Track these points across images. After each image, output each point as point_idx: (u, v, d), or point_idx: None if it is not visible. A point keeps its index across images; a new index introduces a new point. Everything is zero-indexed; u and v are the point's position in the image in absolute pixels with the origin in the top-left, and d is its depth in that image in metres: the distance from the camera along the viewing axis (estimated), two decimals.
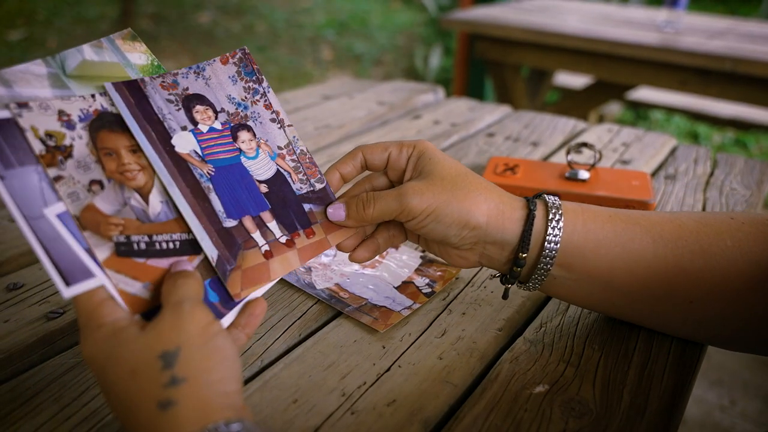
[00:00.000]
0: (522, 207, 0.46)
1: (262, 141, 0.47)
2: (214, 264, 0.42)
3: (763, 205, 0.91)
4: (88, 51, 0.43)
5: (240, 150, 0.46)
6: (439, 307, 0.55)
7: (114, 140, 0.41)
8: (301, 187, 0.48)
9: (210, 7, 5.23)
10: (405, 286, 0.57)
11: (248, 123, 0.47)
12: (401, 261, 0.61)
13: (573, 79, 2.66)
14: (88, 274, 0.36)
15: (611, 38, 1.91)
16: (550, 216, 0.45)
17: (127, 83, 0.43)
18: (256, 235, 0.45)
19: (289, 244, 0.46)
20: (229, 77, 0.47)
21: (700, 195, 0.79)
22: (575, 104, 2.28)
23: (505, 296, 0.51)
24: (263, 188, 0.46)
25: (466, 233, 0.45)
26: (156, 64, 0.46)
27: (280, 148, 0.48)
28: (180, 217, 0.42)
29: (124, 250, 0.39)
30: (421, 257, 0.62)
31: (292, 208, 0.47)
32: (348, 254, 0.49)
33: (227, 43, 4.71)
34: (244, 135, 0.47)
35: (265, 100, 0.48)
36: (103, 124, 0.41)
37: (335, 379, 0.46)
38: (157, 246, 0.40)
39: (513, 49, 2.17)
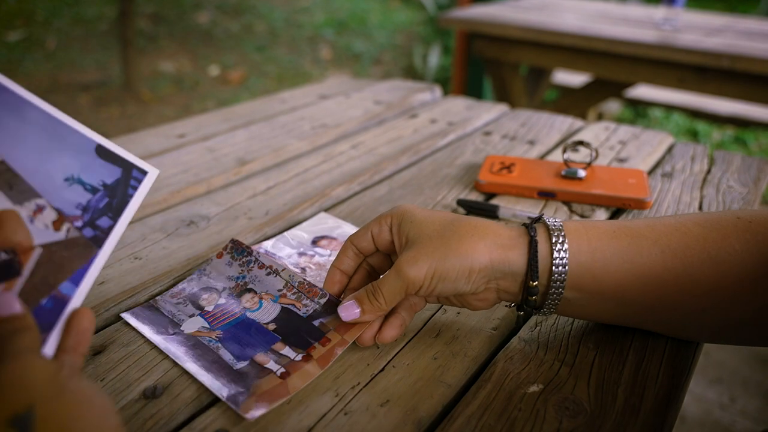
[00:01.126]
0: (522, 235, 0.46)
1: (263, 293, 0.53)
2: (224, 399, 0.43)
3: (761, 201, 0.91)
4: None
5: (244, 308, 0.51)
6: (434, 307, 0.54)
7: None
8: (307, 310, 0.50)
9: (209, 6, 5.23)
10: None
11: (248, 287, 0.53)
12: None
13: (571, 78, 2.65)
14: None
15: (609, 36, 1.91)
16: (554, 239, 0.45)
17: (143, 306, 0.52)
18: (270, 365, 0.46)
19: (306, 358, 0.46)
20: (225, 264, 0.56)
21: (697, 193, 0.79)
22: (574, 102, 2.28)
23: (519, 324, 0.51)
24: (271, 326, 0.49)
25: (474, 278, 0.45)
26: None
27: (279, 290, 0.53)
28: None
29: None
30: None
31: (302, 329, 0.49)
32: (378, 340, 0.48)
33: (226, 43, 4.70)
34: (246, 296, 0.53)
35: (259, 263, 0.55)
36: None
37: (328, 379, 0.46)
38: None
39: (511, 48, 2.17)
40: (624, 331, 0.51)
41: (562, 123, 1.05)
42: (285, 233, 0.66)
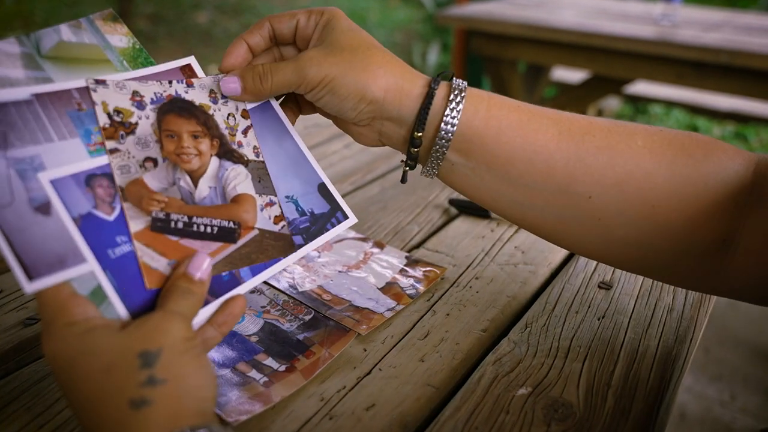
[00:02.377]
0: (424, 85, 0.44)
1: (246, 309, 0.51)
2: None
3: None
4: (65, 31, 0.41)
5: None
6: (423, 309, 0.54)
7: (180, 124, 0.42)
8: (291, 325, 0.51)
9: (208, 6, 5.22)
10: (389, 288, 0.56)
11: None
12: (386, 262, 0.60)
13: (570, 74, 2.64)
14: (56, 267, 0.35)
15: (608, 32, 1.90)
16: (452, 97, 0.43)
17: None
18: (252, 373, 0.45)
19: (290, 369, 0.46)
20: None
21: None
22: (573, 99, 2.26)
23: (402, 180, 0.49)
24: (253, 339, 0.49)
25: (362, 107, 0.43)
26: (138, 47, 0.44)
27: (263, 306, 0.53)
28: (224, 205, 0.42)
29: (159, 226, 0.39)
30: (407, 257, 0.61)
31: (286, 342, 0.49)
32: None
33: (225, 42, 4.70)
34: None
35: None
36: (172, 108, 0.42)
37: (314, 383, 0.45)
38: (195, 228, 0.40)
39: (509, 45, 2.16)
40: (615, 334, 0.51)
41: None
42: None
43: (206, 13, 5.14)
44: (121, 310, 0.36)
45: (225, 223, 0.42)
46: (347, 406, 0.43)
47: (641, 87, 2.54)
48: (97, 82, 0.40)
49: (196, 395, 0.34)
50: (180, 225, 0.40)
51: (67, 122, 0.38)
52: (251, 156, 0.45)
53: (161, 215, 0.39)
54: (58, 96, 0.39)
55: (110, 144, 0.39)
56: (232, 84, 0.44)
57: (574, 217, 0.45)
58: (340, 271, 0.58)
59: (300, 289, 0.55)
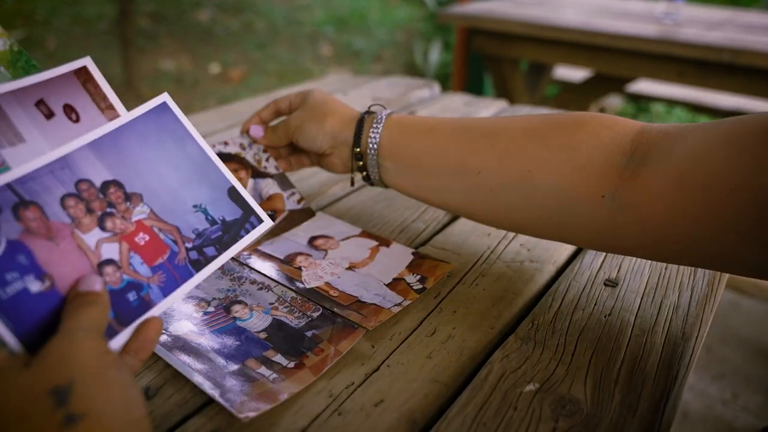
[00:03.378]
0: (357, 118, 0.63)
1: (253, 305, 0.53)
2: (217, 398, 0.42)
3: None
4: None
5: (234, 317, 0.51)
6: (430, 305, 0.54)
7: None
8: (299, 322, 0.51)
9: (209, 5, 5.22)
10: (396, 283, 0.56)
11: (238, 299, 0.53)
12: (392, 258, 0.60)
13: (572, 73, 2.64)
14: None
15: (610, 31, 1.90)
16: (375, 121, 0.61)
17: None
18: (262, 370, 0.45)
19: (299, 366, 0.46)
20: (216, 277, 0.56)
21: None
22: (575, 98, 2.27)
23: (351, 183, 0.68)
24: (262, 335, 0.49)
25: (323, 138, 0.63)
26: (16, 49, 0.40)
27: (271, 303, 0.53)
28: None
29: None
30: (413, 254, 0.61)
31: (295, 339, 0.49)
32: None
33: (226, 41, 4.70)
34: (236, 307, 0.53)
35: (251, 279, 0.56)
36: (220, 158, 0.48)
37: (323, 379, 0.45)
38: None
39: (511, 44, 2.16)
40: (621, 330, 0.51)
41: None
42: (282, 233, 0.65)
43: (207, 12, 5.14)
44: (13, 344, 0.33)
45: (268, 212, 0.60)
46: (356, 402, 0.43)
47: (643, 85, 2.54)
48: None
49: (125, 419, 0.32)
50: None
51: None
52: (273, 171, 0.67)
53: None
54: None
55: None
56: (260, 132, 0.69)
57: (474, 192, 0.55)
58: (346, 268, 0.58)
59: (307, 286, 0.56)
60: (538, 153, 0.51)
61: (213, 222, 0.43)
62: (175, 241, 0.41)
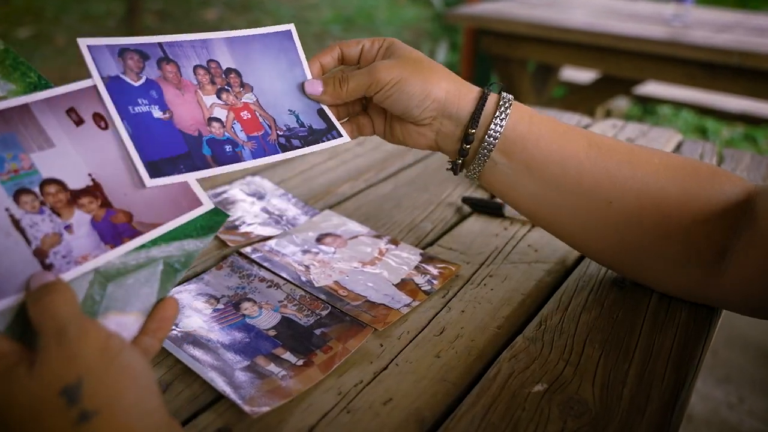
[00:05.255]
0: (478, 91, 0.52)
1: (263, 303, 0.53)
2: (227, 394, 0.43)
3: None
4: None
5: (243, 315, 0.52)
6: (439, 305, 0.54)
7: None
8: (308, 320, 0.51)
9: (216, 3, 5.23)
10: (404, 284, 0.56)
11: (248, 296, 0.54)
12: (401, 258, 0.60)
13: (580, 74, 2.64)
14: None
15: (618, 32, 1.89)
16: (501, 102, 0.51)
17: None
18: (271, 367, 0.46)
19: (308, 364, 0.46)
20: (225, 275, 0.57)
21: None
22: (582, 99, 2.26)
23: (455, 172, 0.55)
24: (271, 333, 0.50)
25: (427, 104, 0.50)
26: (2, 47, 0.40)
27: (280, 301, 0.54)
28: None
29: None
30: (421, 254, 0.61)
31: (303, 337, 0.49)
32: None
33: None
34: (245, 305, 0.53)
35: (260, 277, 0.57)
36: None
37: (332, 377, 0.45)
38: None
39: (519, 44, 2.16)
40: (630, 331, 0.51)
41: (570, 120, 1.04)
42: (290, 231, 0.65)
43: (215, 10, 5.15)
44: (141, 168, 0.41)
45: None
46: (364, 400, 0.43)
47: (650, 87, 2.54)
48: None
49: (140, 411, 0.32)
50: None
51: None
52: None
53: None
54: None
55: None
56: (316, 86, 0.53)
57: (595, 221, 0.51)
58: (355, 267, 0.59)
59: (316, 285, 0.56)
60: (676, 199, 0.49)
61: (302, 125, 0.51)
62: (270, 126, 0.50)
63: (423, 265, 0.59)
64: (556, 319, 0.53)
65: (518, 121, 0.50)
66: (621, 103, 2.87)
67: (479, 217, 0.70)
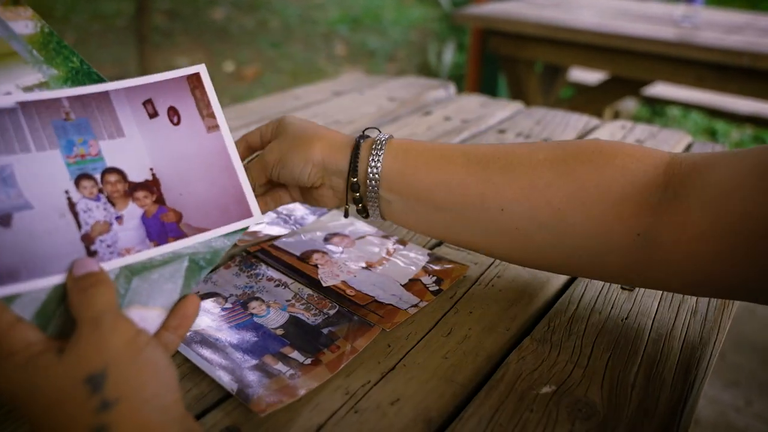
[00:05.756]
0: (351, 143, 0.54)
1: (270, 302, 0.53)
2: (235, 393, 0.43)
3: None
4: None
5: (251, 314, 0.51)
6: (446, 306, 0.54)
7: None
8: (316, 319, 0.51)
9: (224, 3, 5.24)
10: (412, 284, 0.56)
11: (256, 295, 0.54)
12: (409, 259, 0.60)
13: (587, 75, 2.63)
14: (6, 280, 0.34)
15: (627, 33, 1.88)
16: (374, 146, 0.52)
17: None
18: (279, 366, 0.46)
19: (315, 363, 0.46)
20: (233, 275, 0.57)
21: None
22: (590, 100, 2.25)
23: (345, 215, 0.57)
24: (279, 332, 0.50)
25: (308, 170, 0.53)
26: (47, 30, 0.41)
27: (287, 300, 0.54)
28: None
29: None
30: (429, 255, 0.61)
31: (311, 336, 0.49)
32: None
33: (241, 39, 4.72)
34: (253, 304, 0.53)
35: (268, 276, 0.57)
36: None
37: (339, 377, 0.45)
38: None
39: (526, 45, 2.15)
40: (638, 333, 0.51)
41: (578, 121, 1.04)
42: (298, 231, 0.66)
43: (222, 10, 5.17)
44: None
45: None
46: (372, 400, 0.43)
47: (659, 89, 2.52)
48: None
49: (158, 405, 0.33)
50: None
51: (50, 132, 0.38)
52: None
53: None
54: (46, 105, 0.38)
55: None
56: None
57: (496, 230, 0.51)
58: (363, 267, 0.59)
59: (324, 285, 0.56)
60: (566, 189, 0.47)
61: None
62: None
63: (431, 265, 0.59)
64: (564, 321, 0.52)
65: (394, 158, 0.52)
66: (629, 104, 2.86)
67: None
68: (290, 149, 0.53)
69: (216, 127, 0.44)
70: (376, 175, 0.52)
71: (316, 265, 0.59)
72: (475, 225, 0.51)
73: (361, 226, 0.67)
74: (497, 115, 1.07)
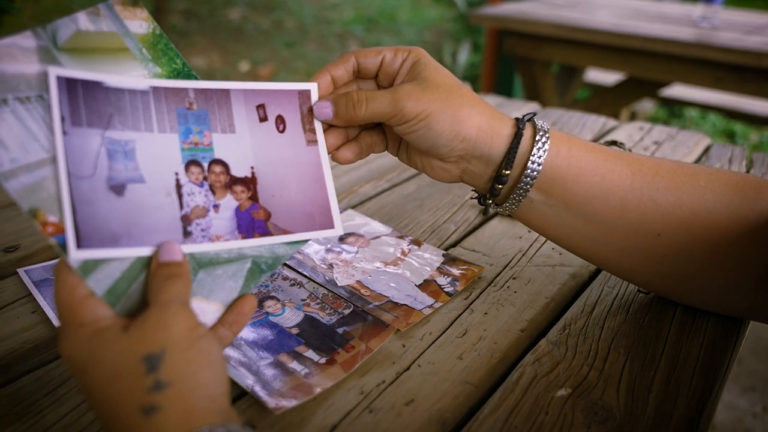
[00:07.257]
0: (512, 125, 0.46)
1: (286, 301, 0.54)
2: (250, 390, 0.43)
3: None
4: (83, 20, 0.40)
5: (266, 312, 0.52)
6: (461, 307, 0.54)
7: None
8: (330, 319, 0.52)
9: (240, 3, 5.28)
10: (427, 285, 0.56)
11: (271, 294, 0.54)
12: (424, 259, 0.60)
13: (604, 76, 2.61)
14: (106, 244, 0.36)
15: (644, 34, 1.86)
16: (537, 137, 0.45)
17: None
18: (294, 365, 0.46)
19: (330, 362, 0.46)
20: None
21: None
22: (606, 101, 2.23)
23: (485, 212, 0.51)
24: (294, 331, 0.50)
25: (456, 144, 0.45)
26: (158, 32, 0.43)
27: (303, 300, 0.54)
28: None
29: None
30: (444, 255, 0.61)
31: (326, 336, 0.49)
32: (333, 157, 0.48)
33: (257, 38, 4.74)
34: (268, 302, 0.53)
35: (283, 275, 0.57)
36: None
37: (354, 377, 0.45)
38: None
39: (543, 45, 2.14)
40: (656, 337, 0.50)
41: (595, 122, 1.03)
42: None
43: (238, 10, 5.20)
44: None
45: None
46: (386, 400, 0.43)
47: (677, 90, 2.49)
48: None
49: (205, 394, 0.33)
50: None
51: (173, 118, 0.41)
52: None
53: None
54: (175, 92, 0.41)
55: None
56: (325, 109, 0.45)
57: (642, 253, 0.47)
58: (377, 267, 0.59)
59: (339, 284, 0.56)
60: (724, 224, 0.45)
61: None
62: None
63: (445, 266, 0.59)
64: (581, 324, 0.52)
65: (556, 156, 0.45)
66: (646, 105, 2.83)
67: (502, 219, 0.70)
68: (442, 108, 0.43)
69: (315, 141, 0.47)
70: (535, 172, 0.45)
71: (331, 265, 0.59)
72: (622, 244, 0.47)
73: (376, 226, 0.67)
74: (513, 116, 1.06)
